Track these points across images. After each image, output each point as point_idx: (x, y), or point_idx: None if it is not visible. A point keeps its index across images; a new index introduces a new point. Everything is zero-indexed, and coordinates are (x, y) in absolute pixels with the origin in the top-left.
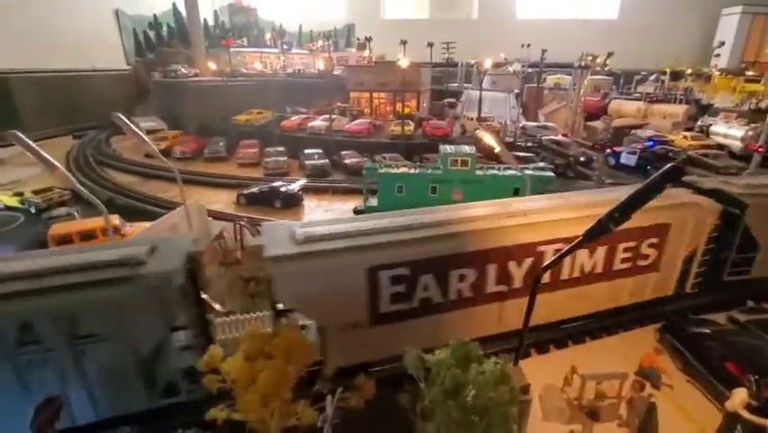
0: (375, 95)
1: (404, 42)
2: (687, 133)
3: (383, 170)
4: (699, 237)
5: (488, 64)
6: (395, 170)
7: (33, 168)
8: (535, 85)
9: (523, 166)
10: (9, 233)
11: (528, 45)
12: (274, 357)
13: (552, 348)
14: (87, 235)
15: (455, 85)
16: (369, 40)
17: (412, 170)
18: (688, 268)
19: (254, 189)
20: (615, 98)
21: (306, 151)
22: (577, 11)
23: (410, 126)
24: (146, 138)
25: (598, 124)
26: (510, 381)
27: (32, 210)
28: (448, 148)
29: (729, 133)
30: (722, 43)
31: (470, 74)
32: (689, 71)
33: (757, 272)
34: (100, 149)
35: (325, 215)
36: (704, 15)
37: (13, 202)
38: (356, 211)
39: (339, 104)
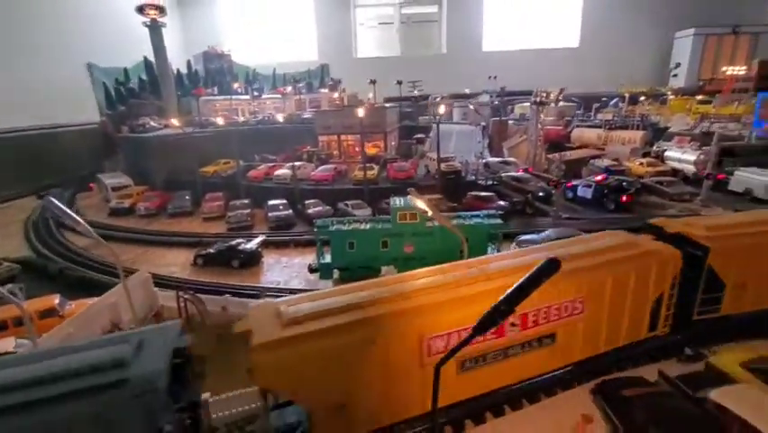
0: (343, 137)
1: (373, 82)
2: (643, 160)
3: (334, 228)
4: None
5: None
6: (345, 227)
7: None
8: (499, 118)
9: (473, 214)
10: None
11: (495, 77)
12: None
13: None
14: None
15: (426, 118)
16: (338, 82)
17: (362, 226)
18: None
19: (211, 249)
20: (577, 126)
21: (270, 202)
22: (540, 41)
23: (374, 171)
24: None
25: (553, 156)
26: None
27: None
28: (398, 201)
29: (683, 157)
30: (678, 65)
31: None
32: (642, 95)
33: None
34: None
35: (284, 271)
36: (660, 39)
37: None
38: (310, 269)
39: (309, 148)
